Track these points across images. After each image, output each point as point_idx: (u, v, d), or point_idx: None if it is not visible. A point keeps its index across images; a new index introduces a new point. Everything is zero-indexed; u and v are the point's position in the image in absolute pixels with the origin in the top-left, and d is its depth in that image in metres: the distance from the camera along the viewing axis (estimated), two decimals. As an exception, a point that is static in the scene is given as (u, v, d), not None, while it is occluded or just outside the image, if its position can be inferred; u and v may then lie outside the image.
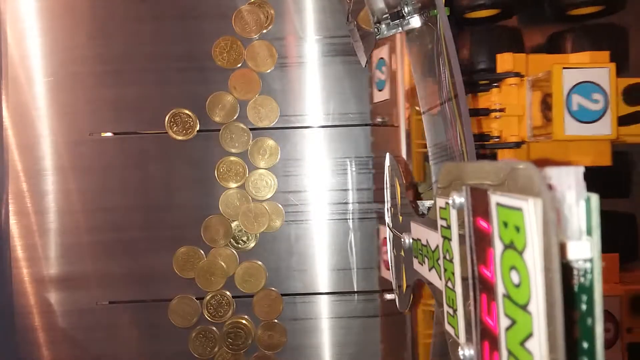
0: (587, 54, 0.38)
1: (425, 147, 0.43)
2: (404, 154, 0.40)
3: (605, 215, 0.49)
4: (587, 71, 0.36)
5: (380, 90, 0.45)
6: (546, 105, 0.37)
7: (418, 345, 0.41)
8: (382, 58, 0.44)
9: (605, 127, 0.36)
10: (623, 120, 0.38)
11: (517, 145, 0.38)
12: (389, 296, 0.45)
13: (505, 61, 0.39)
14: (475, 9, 0.41)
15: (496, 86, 0.39)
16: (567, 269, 0.15)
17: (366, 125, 0.49)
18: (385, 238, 0.46)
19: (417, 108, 0.40)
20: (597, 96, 0.36)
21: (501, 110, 0.39)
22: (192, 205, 0.49)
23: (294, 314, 0.50)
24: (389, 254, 0.36)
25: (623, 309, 0.38)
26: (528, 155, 0.39)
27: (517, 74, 0.38)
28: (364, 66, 0.48)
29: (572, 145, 0.38)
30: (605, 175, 0.43)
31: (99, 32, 0.49)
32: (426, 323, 0.41)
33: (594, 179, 0.46)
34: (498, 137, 0.39)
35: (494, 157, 0.40)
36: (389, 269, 0.45)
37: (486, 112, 0.39)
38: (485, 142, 0.40)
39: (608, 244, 0.43)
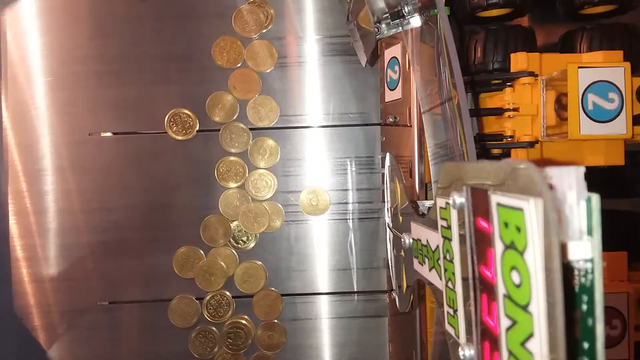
0: (600, 54, 0.38)
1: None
2: (415, 154, 0.40)
3: (615, 214, 0.49)
4: (602, 70, 0.35)
5: (392, 90, 0.45)
6: (560, 104, 0.37)
7: (427, 343, 0.41)
8: (394, 57, 0.44)
9: (620, 127, 0.36)
10: (636, 120, 0.38)
11: (531, 144, 0.38)
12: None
13: (519, 60, 0.39)
14: (488, 7, 0.41)
15: (510, 86, 0.39)
16: (567, 269, 0.15)
17: (366, 125, 0.49)
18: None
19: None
20: (612, 95, 0.36)
21: (515, 109, 0.39)
22: (192, 205, 0.49)
23: (293, 314, 0.50)
24: (389, 254, 0.36)
25: (631, 307, 0.38)
26: (541, 155, 0.39)
27: (531, 74, 0.38)
28: (363, 66, 0.48)
29: (585, 144, 0.38)
30: (616, 175, 0.43)
31: (99, 31, 0.49)
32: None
33: (604, 178, 0.46)
34: (511, 136, 0.39)
35: (507, 156, 0.40)
36: None
37: (500, 111, 0.39)
38: (499, 142, 0.40)
39: (617, 243, 0.43)
